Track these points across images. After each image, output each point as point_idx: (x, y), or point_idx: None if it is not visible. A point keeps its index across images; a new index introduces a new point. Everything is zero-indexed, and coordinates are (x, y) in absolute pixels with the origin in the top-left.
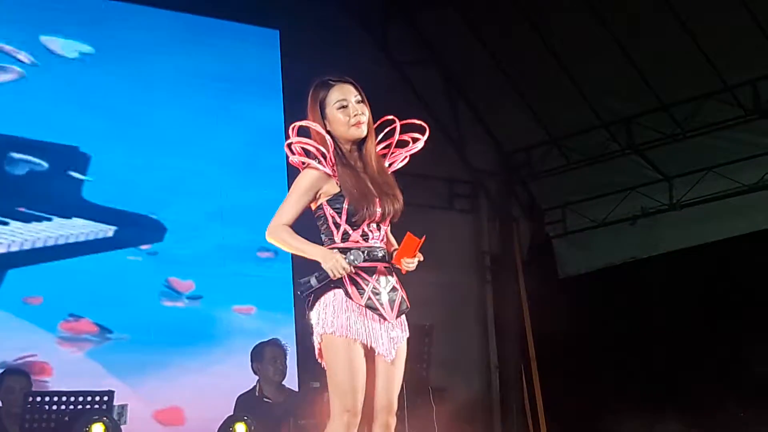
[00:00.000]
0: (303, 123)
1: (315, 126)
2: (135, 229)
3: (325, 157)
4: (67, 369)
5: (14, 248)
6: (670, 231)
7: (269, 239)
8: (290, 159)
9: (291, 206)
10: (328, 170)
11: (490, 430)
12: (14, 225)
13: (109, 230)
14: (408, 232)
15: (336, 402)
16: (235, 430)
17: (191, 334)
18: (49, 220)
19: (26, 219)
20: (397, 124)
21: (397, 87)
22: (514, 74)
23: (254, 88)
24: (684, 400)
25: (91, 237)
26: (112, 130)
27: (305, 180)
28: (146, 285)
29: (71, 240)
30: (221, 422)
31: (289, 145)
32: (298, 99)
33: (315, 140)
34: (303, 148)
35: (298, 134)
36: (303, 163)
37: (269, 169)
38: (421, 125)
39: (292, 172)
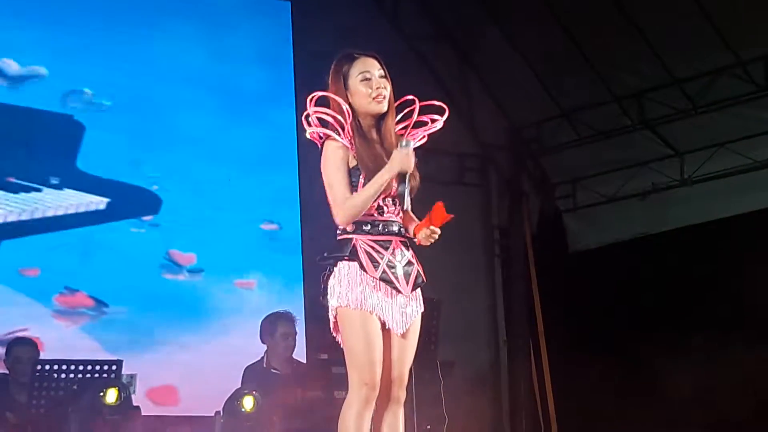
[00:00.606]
0: (322, 93)
1: (335, 97)
2: (131, 202)
3: (343, 129)
4: (60, 344)
5: (11, 218)
6: (681, 207)
7: (348, 219)
8: (307, 132)
9: (340, 185)
10: (346, 142)
11: (497, 405)
12: (7, 195)
13: (101, 202)
14: (438, 202)
15: (354, 375)
16: (243, 403)
17: (190, 308)
18: (39, 191)
19: (16, 190)
20: (417, 104)
21: (408, 61)
22: (525, 48)
23: (265, 61)
24: (693, 373)
25: (82, 209)
26: (115, 101)
27: (333, 155)
28: (147, 258)
29: (70, 211)
30: (216, 401)
31: (306, 118)
32: (309, 72)
33: (334, 110)
34: (319, 119)
35: (316, 106)
36: (320, 136)
37: (278, 143)
38: (440, 106)
39: (303, 149)
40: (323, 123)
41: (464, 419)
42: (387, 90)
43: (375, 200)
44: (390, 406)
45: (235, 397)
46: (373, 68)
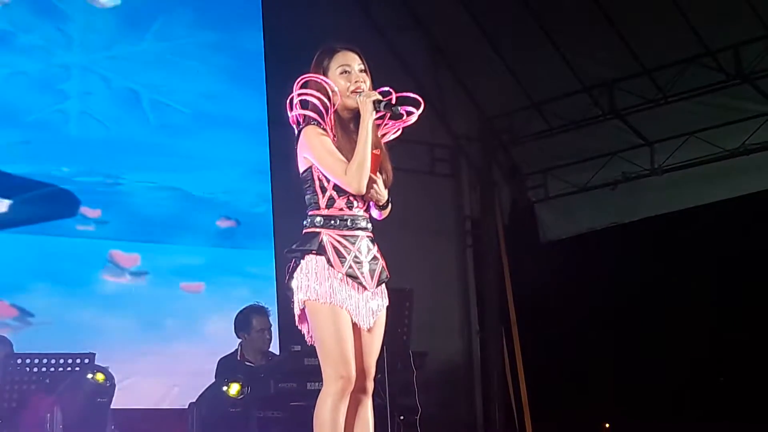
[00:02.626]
0: (309, 76)
1: (324, 79)
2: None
3: (327, 111)
4: None
5: None
6: (652, 196)
7: (360, 184)
8: (290, 115)
9: (334, 158)
10: (328, 129)
11: (470, 395)
12: None
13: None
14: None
15: (329, 370)
16: (231, 388)
17: (130, 314)
18: None
19: None
20: (393, 96)
21: (379, 51)
22: (496, 38)
23: (234, 50)
24: (663, 364)
25: None
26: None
27: (317, 136)
28: (88, 259)
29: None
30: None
31: (290, 101)
32: (279, 62)
33: (320, 95)
34: (301, 102)
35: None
36: (299, 122)
37: (244, 127)
38: (416, 99)
39: (275, 131)
40: (304, 107)
41: (437, 409)
42: (366, 84)
43: (345, 195)
44: (359, 397)
45: (217, 386)
46: (353, 62)
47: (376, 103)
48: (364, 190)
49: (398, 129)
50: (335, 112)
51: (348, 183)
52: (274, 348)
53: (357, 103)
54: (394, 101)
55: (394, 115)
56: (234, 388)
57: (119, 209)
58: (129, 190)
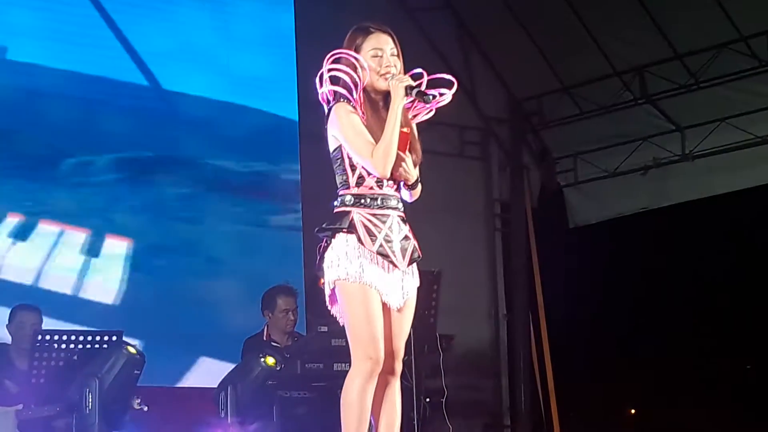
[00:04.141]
0: (340, 51)
1: (354, 54)
2: None
3: (356, 88)
4: None
5: None
6: (682, 182)
7: (386, 167)
8: (320, 92)
9: (362, 139)
10: (358, 108)
11: (497, 378)
12: None
13: None
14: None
15: (358, 351)
16: (267, 359)
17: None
18: None
19: None
20: (425, 78)
21: (410, 33)
22: (527, 21)
23: (266, 37)
24: (693, 347)
25: None
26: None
27: (346, 115)
28: None
29: None
30: None
31: (320, 77)
32: (312, 47)
33: (350, 71)
34: (331, 79)
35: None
36: (329, 100)
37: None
38: (449, 80)
39: (304, 109)
40: (334, 83)
41: (463, 393)
42: (396, 69)
43: (375, 175)
44: (387, 379)
45: (245, 366)
46: (386, 45)
47: (408, 89)
48: (388, 174)
49: (430, 109)
50: (365, 91)
51: (373, 165)
52: (302, 329)
53: (387, 86)
54: (425, 84)
55: (425, 101)
56: (270, 359)
57: None
58: None
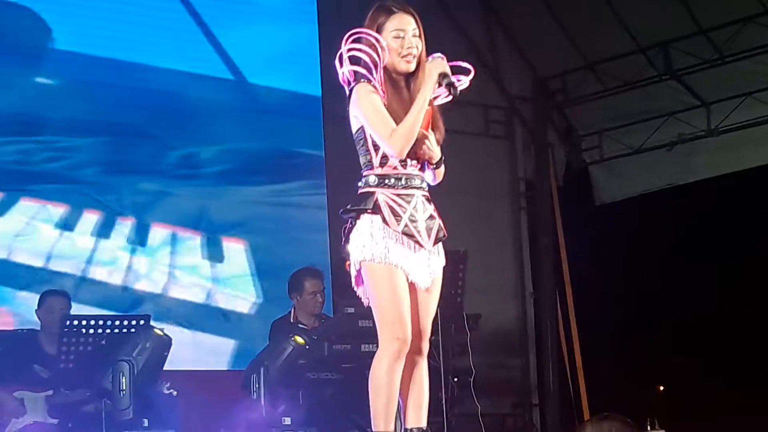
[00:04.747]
0: (360, 31)
1: (373, 34)
2: None
3: (376, 67)
4: None
5: None
6: (707, 157)
7: (403, 148)
8: (340, 72)
9: (383, 119)
10: (379, 87)
11: (524, 357)
12: None
13: None
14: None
15: (385, 331)
16: (297, 339)
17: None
18: None
19: None
20: (457, 91)
21: (434, 10)
22: None
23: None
24: (722, 325)
25: None
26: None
27: (367, 95)
28: None
29: None
30: None
31: (340, 57)
32: (336, 24)
33: (369, 50)
34: (351, 59)
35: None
36: (350, 82)
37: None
38: (467, 68)
39: (328, 95)
40: (355, 63)
41: (491, 372)
42: (417, 50)
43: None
44: (414, 359)
45: (273, 348)
46: (408, 26)
47: (441, 77)
48: (403, 156)
49: (449, 94)
50: (386, 71)
51: (391, 145)
52: (328, 310)
53: (408, 67)
54: (447, 69)
55: (451, 93)
56: (300, 339)
57: None
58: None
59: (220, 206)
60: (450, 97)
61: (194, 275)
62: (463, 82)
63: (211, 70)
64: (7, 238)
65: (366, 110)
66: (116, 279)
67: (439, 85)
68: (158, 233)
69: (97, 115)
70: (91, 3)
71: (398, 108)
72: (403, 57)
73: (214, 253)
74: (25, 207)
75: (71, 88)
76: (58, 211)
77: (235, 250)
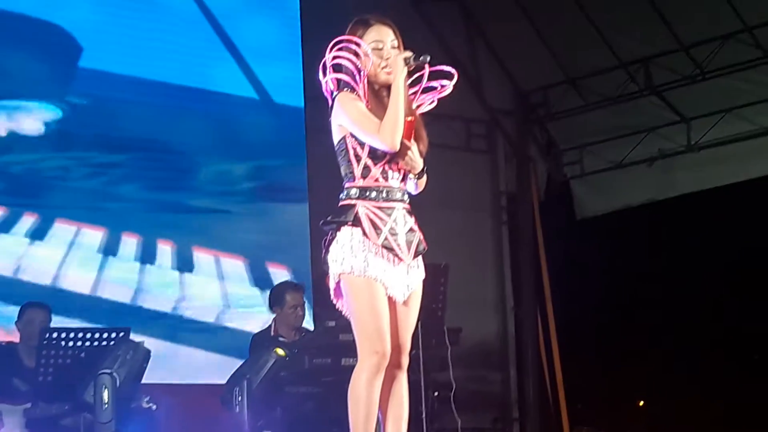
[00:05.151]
0: (343, 38)
1: (355, 38)
2: None
3: (360, 73)
4: None
5: None
6: (688, 173)
7: (394, 140)
8: (324, 82)
9: (367, 117)
10: (361, 94)
11: (505, 371)
12: None
13: None
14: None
15: (365, 344)
16: (277, 351)
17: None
18: None
19: None
20: (426, 70)
21: (416, 24)
22: (532, 12)
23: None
24: (702, 339)
25: None
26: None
27: (350, 100)
28: None
29: None
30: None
31: (323, 66)
32: (316, 36)
33: (352, 57)
34: (334, 67)
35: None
36: (338, 83)
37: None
38: (449, 72)
39: (310, 102)
40: (337, 71)
41: (471, 386)
42: None
43: (380, 164)
44: (394, 373)
45: (254, 361)
46: (386, 37)
47: (407, 60)
48: (397, 147)
49: (433, 100)
50: (367, 80)
51: (381, 140)
52: (309, 323)
53: (388, 78)
54: (426, 75)
55: (422, 62)
56: (280, 350)
57: None
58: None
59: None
60: (432, 102)
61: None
62: (447, 87)
63: (237, 90)
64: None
65: (350, 114)
66: (167, 305)
67: (410, 68)
68: (203, 259)
69: (127, 131)
70: (122, 21)
71: (381, 115)
72: (383, 68)
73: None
74: (63, 229)
75: (101, 106)
76: (97, 234)
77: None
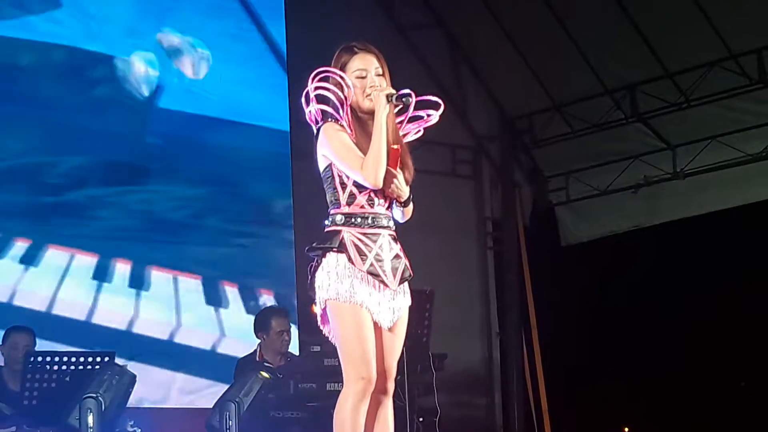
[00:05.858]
0: (325, 69)
1: (339, 72)
2: None
3: (343, 105)
4: None
5: None
6: (673, 200)
7: (377, 176)
8: (307, 111)
9: (351, 152)
10: (346, 126)
11: (490, 397)
12: None
13: None
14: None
15: (350, 370)
16: (262, 374)
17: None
18: None
19: None
20: (413, 99)
21: (401, 51)
22: (518, 39)
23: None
24: (688, 366)
25: None
26: None
27: (335, 132)
28: None
29: None
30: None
31: (306, 96)
32: (302, 64)
33: (335, 89)
34: (318, 98)
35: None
36: (317, 120)
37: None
38: (436, 102)
39: (295, 131)
40: (321, 102)
41: (457, 411)
42: (381, 89)
43: (366, 191)
44: (379, 398)
45: (246, 381)
46: (371, 65)
47: (389, 97)
48: (380, 184)
49: (419, 129)
50: (352, 110)
51: (365, 177)
52: (294, 348)
53: (371, 105)
54: (413, 104)
55: (404, 103)
56: (265, 373)
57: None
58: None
59: None
60: (418, 132)
61: None
62: (433, 117)
63: None
64: None
65: (335, 147)
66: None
67: (393, 105)
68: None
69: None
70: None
71: (366, 145)
72: (366, 96)
73: None
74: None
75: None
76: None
77: None
